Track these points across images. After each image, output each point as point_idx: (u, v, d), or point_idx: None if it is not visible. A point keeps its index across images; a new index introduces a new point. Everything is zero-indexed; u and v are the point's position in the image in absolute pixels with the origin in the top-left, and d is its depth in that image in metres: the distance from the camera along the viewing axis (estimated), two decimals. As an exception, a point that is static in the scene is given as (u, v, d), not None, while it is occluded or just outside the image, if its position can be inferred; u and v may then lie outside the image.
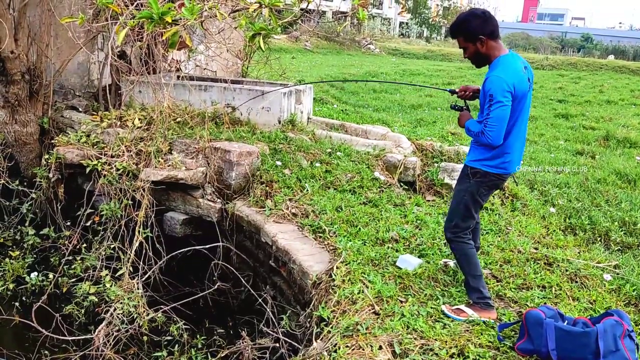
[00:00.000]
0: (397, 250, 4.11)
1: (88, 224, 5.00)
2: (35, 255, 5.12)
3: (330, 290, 3.45)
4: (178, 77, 7.22)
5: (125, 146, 5.11)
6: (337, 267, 3.64)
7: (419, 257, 4.04)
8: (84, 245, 4.96)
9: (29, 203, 5.34)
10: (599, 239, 5.06)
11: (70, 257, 4.85)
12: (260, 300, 3.97)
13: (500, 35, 3.27)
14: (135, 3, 3.98)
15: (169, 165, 4.89)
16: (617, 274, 4.05)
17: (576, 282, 3.87)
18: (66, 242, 5.11)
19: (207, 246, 4.55)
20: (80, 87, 6.36)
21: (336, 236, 4.22)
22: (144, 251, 4.77)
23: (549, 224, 5.22)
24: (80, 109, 6.10)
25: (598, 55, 39.49)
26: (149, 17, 3.40)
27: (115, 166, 5.01)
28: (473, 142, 3.33)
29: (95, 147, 5.27)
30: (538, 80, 20.00)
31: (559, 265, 4.06)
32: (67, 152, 5.20)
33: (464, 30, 3.17)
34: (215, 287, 4.29)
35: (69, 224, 5.28)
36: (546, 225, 5.19)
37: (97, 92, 6.29)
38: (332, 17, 42.82)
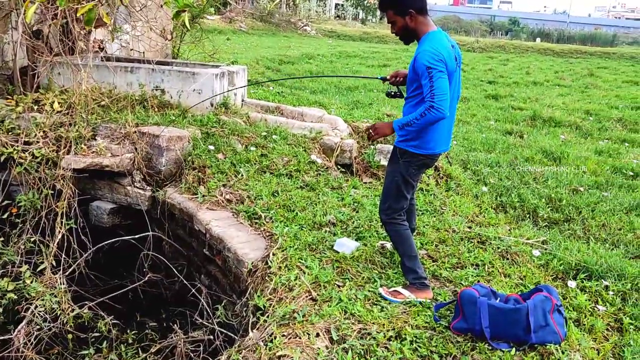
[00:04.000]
0: (334, 234, 4.06)
1: (4, 216, 4.65)
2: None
3: (266, 278, 3.35)
4: (101, 58, 6.84)
5: (44, 132, 4.78)
6: (273, 254, 3.55)
7: (356, 240, 4.01)
8: (1, 239, 4.61)
9: None
10: (527, 216, 5.22)
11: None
12: (193, 290, 3.82)
13: (431, 17, 3.24)
14: (49, -23, 3.68)
15: (92, 152, 4.61)
16: (545, 249, 4.18)
17: (507, 259, 3.96)
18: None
19: (136, 236, 4.34)
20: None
21: (273, 222, 4.11)
22: (67, 244, 4.51)
23: (482, 202, 5.33)
24: (-6, 93, 5.65)
25: (524, 38, 40.99)
26: (62, -8, 3.15)
27: (33, 153, 4.67)
28: None
29: (10, 133, 4.89)
30: (469, 62, 20.52)
31: (491, 243, 4.14)
32: (-22, 140, 4.80)
33: (394, 2, 3.12)
34: (145, 278, 4.10)
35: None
36: (479, 204, 5.30)
37: (11, 75, 5.84)
38: (267, -2, 42.27)
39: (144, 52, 8.14)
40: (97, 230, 4.83)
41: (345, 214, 4.41)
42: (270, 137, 5.56)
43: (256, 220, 4.13)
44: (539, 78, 16.43)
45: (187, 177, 4.70)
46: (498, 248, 4.07)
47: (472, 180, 5.95)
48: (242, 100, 6.60)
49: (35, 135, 4.83)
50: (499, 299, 2.98)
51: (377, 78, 3.86)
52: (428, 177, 5.65)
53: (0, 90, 5.80)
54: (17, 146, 4.73)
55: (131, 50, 7.94)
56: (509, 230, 4.61)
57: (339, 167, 5.60)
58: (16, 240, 4.55)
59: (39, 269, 4.27)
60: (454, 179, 5.76)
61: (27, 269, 4.24)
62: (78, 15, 3.30)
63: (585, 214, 5.14)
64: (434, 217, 4.64)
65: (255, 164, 5.02)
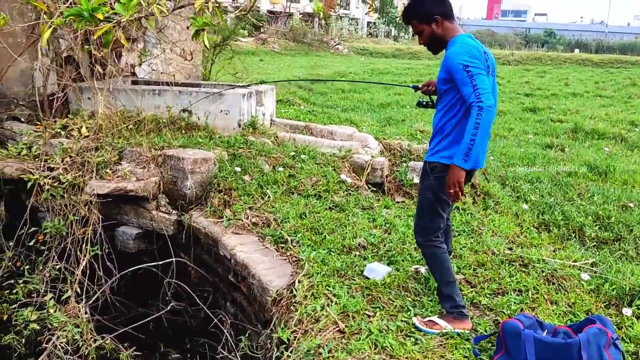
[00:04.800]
0: (365, 258, 3.84)
1: (31, 243, 4.60)
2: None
3: (291, 308, 3.15)
4: (133, 82, 6.85)
5: (70, 157, 4.73)
6: (298, 281, 3.35)
7: (388, 264, 3.78)
8: (27, 267, 4.56)
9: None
10: (573, 235, 4.87)
11: (12, 281, 4.45)
12: (215, 320, 3.65)
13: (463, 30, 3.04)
14: (69, 1, 3.64)
15: (118, 177, 4.53)
16: (595, 272, 3.85)
17: (553, 283, 3.65)
18: (9, 263, 4.71)
19: (160, 262, 4.22)
20: (24, 95, 5.94)
21: (299, 246, 3.92)
22: (92, 271, 4.43)
23: (523, 221, 5.02)
24: (22, 119, 5.68)
25: (562, 50, 40.11)
26: (79, 14, 3.07)
27: (58, 179, 4.62)
28: (433, 137, 3.08)
29: (37, 159, 4.87)
30: (505, 75, 20.07)
31: (534, 266, 3.84)
32: (5, 167, 4.79)
33: (418, 11, 2.95)
34: (168, 308, 3.95)
35: (11, 244, 4.86)
36: (520, 223, 4.99)
37: (42, 101, 5.87)
38: (300, 19, 42.67)
39: (174, 75, 8.16)
40: (124, 255, 4.73)
41: (376, 236, 4.19)
42: (299, 157, 5.39)
43: (282, 245, 3.94)
44: (578, 89, 15.89)
45: (212, 200, 4.56)
46: (542, 271, 3.77)
47: (511, 198, 5.64)
48: (271, 120, 6.48)
49: (63, 160, 4.80)
50: (546, 331, 2.70)
51: (408, 87, 3.66)
52: (465, 195, 5.37)
53: (29, 117, 5.83)
54: (44, 172, 4.70)
55: (161, 73, 7.95)
56: (554, 251, 4.30)
57: (370, 186, 5.38)
58: (42, 268, 4.50)
59: (63, 297, 4.19)
60: (492, 197, 5.46)
61: (52, 297, 4.17)
62: (95, 37, 3.23)
63: (637, 232, 4.76)
64: (472, 238, 4.36)
65: (282, 185, 4.86)
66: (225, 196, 4.59)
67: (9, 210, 5.05)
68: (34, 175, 4.68)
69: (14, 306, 4.28)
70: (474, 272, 3.74)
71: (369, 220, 4.58)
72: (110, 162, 4.72)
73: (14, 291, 4.36)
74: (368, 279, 3.52)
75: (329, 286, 3.36)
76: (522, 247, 4.25)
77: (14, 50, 5.42)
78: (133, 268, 4.25)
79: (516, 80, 18.74)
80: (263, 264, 3.67)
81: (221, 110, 5.72)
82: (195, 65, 8.53)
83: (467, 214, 4.91)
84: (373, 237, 4.16)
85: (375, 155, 5.57)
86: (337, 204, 4.77)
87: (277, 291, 3.35)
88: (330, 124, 7.10)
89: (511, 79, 19.09)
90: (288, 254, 3.84)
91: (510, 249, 4.20)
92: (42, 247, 4.49)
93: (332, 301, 3.17)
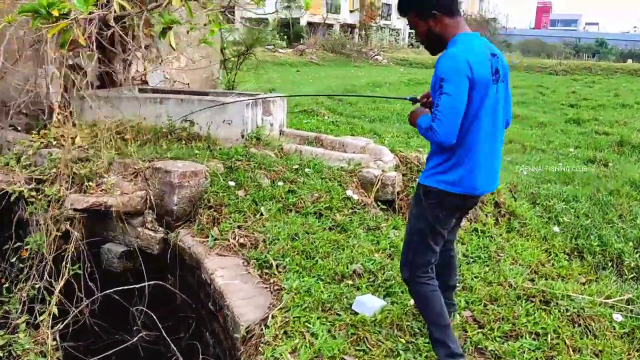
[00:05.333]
0: (358, 289, 3.37)
1: (13, 259, 4.34)
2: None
3: (259, 348, 2.72)
4: (140, 90, 6.61)
5: (57, 168, 4.46)
6: (272, 316, 2.91)
7: (384, 296, 3.30)
8: (10, 283, 4.30)
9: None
10: (610, 263, 4.28)
11: (-7, 300, 4.20)
12: (178, 355, 3.24)
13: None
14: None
15: (101, 190, 4.22)
16: (631, 311, 3.26)
17: (578, 325, 3.09)
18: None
19: (136, 286, 3.86)
20: (27, 103, 5.75)
21: (285, 272, 3.49)
22: (74, 291, 4.12)
23: (551, 246, 4.45)
24: (19, 128, 5.48)
25: (613, 60, 38.35)
26: (35, 10, 2.76)
27: (44, 192, 4.35)
28: (430, 155, 2.60)
29: (25, 170, 4.63)
30: (551, 85, 19.15)
31: (557, 303, 3.28)
32: (-11, 178, 4.57)
33: (413, 3, 2.49)
34: (134, 340, 3.58)
35: (-4, 259, 4.62)
36: (548, 248, 4.42)
37: (43, 109, 5.67)
38: (340, 30, 42.45)
39: (188, 84, 7.90)
40: (109, 275, 4.41)
41: (376, 262, 3.71)
42: (302, 171, 4.97)
43: (267, 270, 3.51)
44: (628, 100, 14.89)
45: (201, 217, 4.18)
46: (566, 310, 3.20)
47: (541, 219, 5.05)
48: (280, 131, 6.09)
49: (50, 172, 4.54)
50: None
51: (405, 99, 3.16)
52: (486, 215, 4.82)
53: (27, 126, 5.63)
54: (29, 184, 4.44)
55: (174, 81, 7.70)
56: (584, 283, 3.71)
57: (379, 203, 4.90)
58: (22, 286, 4.22)
59: (38, 320, 3.89)
60: (518, 217, 4.90)
61: (25, 320, 3.87)
62: (49, 36, 2.93)
63: (686, 262, 4.12)
64: (487, 266, 3.82)
65: (280, 201, 4.44)
66: (215, 213, 4.21)
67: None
68: (19, 187, 4.42)
69: (-15, 328, 4.00)
70: (484, 309, 3.21)
71: (371, 243, 4.10)
72: (97, 174, 4.41)
73: (-11, 311, 4.10)
74: (357, 314, 3.05)
75: (308, 322, 2.90)
76: (546, 279, 3.68)
77: (14, 57, 5.23)
78: (108, 291, 3.91)
79: (562, 90, 17.82)
80: (241, 293, 3.25)
81: (224, 120, 5.37)
82: (211, 74, 8.26)
83: (486, 237, 4.37)
84: (372, 263, 3.68)
85: (387, 170, 5.08)
86: (338, 223, 4.31)
87: (247, 327, 2.91)
88: (346, 135, 6.65)
89: (557, 89, 18.17)
90: (271, 281, 3.41)
91: (532, 280, 3.65)
92: (22, 265, 4.21)
93: (307, 342, 2.72)
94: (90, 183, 4.27)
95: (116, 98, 5.66)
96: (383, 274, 3.55)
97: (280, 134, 6.09)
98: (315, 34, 38.83)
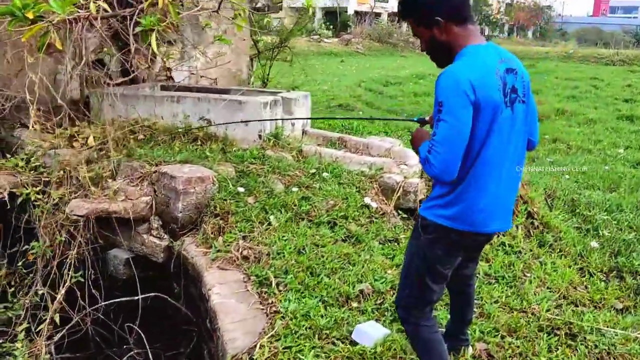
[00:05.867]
0: (362, 312, 3.09)
1: (19, 264, 4.26)
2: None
3: (238, 384, 2.48)
4: (162, 87, 6.48)
5: (64, 171, 4.35)
6: (260, 346, 2.67)
7: (390, 321, 3.02)
8: (16, 289, 4.23)
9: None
10: (654, 287, 3.82)
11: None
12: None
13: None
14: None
15: (105, 195, 4.08)
16: (674, 350, 2.85)
17: (608, 365, 2.72)
18: (3, 282, 4.41)
19: (136, 297, 3.70)
20: (45, 101, 5.69)
21: (286, 291, 3.24)
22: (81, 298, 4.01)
23: (587, 265, 4.02)
24: (35, 127, 5.41)
25: (678, 49, 36.09)
26: (10, 12, 2.59)
27: (50, 195, 4.25)
28: (434, 184, 2.27)
29: (34, 172, 4.54)
30: (606, 77, 18.06)
31: (585, 338, 2.91)
32: (-3, 180, 4.50)
33: (412, 8, 2.16)
34: (127, 356, 3.41)
35: (5, 262, 4.57)
36: (583, 266, 4.00)
37: (60, 107, 5.59)
38: (388, 19, 41.69)
39: (216, 79, 7.73)
40: (117, 281, 4.29)
41: (387, 280, 3.41)
42: (320, 176, 4.70)
43: (265, 289, 3.27)
44: (693, 94, 13.86)
45: (206, 225, 3.98)
46: (595, 347, 2.84)
47: (579, 232, 4.61)
48: (303, 131, 5.83)
49: (59, 174, 4.43)
50: None
51: (412, 120, 2.78)
52: (517, 227, 4.43)
53: (44, 125, 5.56)
54: (36, 186, 4.35)
55: (201, 77, 7.55)
56: (620, 310, 3.32)
57: (400, 212, 4.58)
58: (25, 291, 4.14)
59: (38, 328, 3.79)
60: (552, 230, 4.48)
61: (25, 328, 3.78)
62: (23, 39, 2.77)
63: None
64: (510, 288, 3.47)
65: (292, 209, 4.18)
66: (221, 221, 3.99)
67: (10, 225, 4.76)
68: (26, 189, 4.33)
69: (-12, 335, 3.94)
70: (501, 341, 2.88)
71: (387, 257, 3.81)
72: (103, 177, 4.28)
73: (-8, 318, 4.04)
74: (356, 344, 2.77)
75: (300, 353, 2.65)
76: (576, 305, 3.31)
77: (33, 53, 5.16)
78: (109, 301, 3.77)
79: (618, 82, 16.76)
80: (234, 315, 3.02)
81: (240, 120, 5.14)
82: (240, 69, 8.07)
83: (513, 254, 3.99)
84: (382, 282, 3.39)
85: (411, 175, 4.75)
86: (353, 234, 4.03)
87: (235, 355, 2.68)
88: (369, 136, 6.31)
89: (612, 81, 17.12)
90: (269, 301, 3.17)
91: (560, 306, 3.27)
92: (24, 271, 4.13)
93: (293, 378, 2.46)
94: (95, 188, 4.13)
95: (133, 96, 5.53)
96: (392, 295, 3.26)
97: (303, 134, 5.83)
98: (362, 23, 38.27)
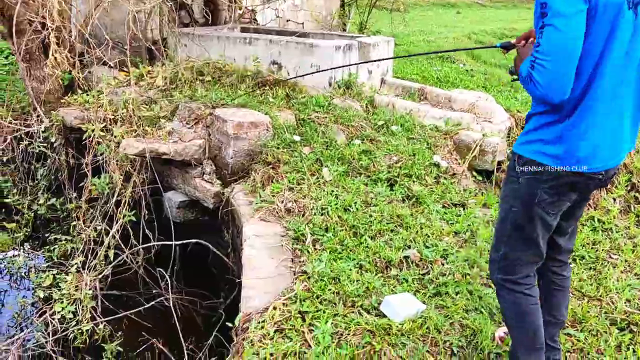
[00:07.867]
0: (400, 282, 2.74)
1: (83, 199, 4.34)
2: (28, 231, 4.64)
3: (241, 347, 2.26)
4: (242, 29, 6.29)
5: (127, 110, 4.31)
6: (273, 308, 2.42)
7: (431, 296, 2.64)
8: (79, 222, 4.34)
9: (42, 169, 4.87)
10: None
11: (59, 236, 4.28)
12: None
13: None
14: None
15: (158, 136, 3.99)
16: None
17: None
18: (74, 214, 4.55)
19: (177, 242, 3.61)
20: (127, 40, 5.71)
21: (322, 250, 2.95)
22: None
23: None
24: (111, 65, 5.45)
25: None
26: None
27: (112, 132, 4.25)
28: (528, 116, 1.85)
29: (101, 109, 4.56)
30: None
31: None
32: (67, 114, 4.57)
33: None
34: (152, 302, 3.33)
35: (75, 195, 4.70)
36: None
37: (140, 47, 5.59)
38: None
39: (302, 23, 7.42)
40: (172, 224, 4.25)
41: (439, 248, 3.01)
42: (388, 129, 4.29)
43: (299, 246, 3.00)
44: None
45: (256, 173, 3.77)
46: (678, 353, 2.28)
47: (693, 211, 3.84)
48: (382, 80, 5.38)
49: (122, 112, 4.42)
50: None
51: (495, 47, 2.30)
52: (614, 199, 3.78)
53: (120, 62, 5.60)
54: (101, 123, 4.36)
55: (287, 21, 7.26)
56: None
57: (475, 174, 4.08)
58: (88, 225, 4.22)
59: (90, 264, 3.85)
60: (658, 206, 3.77)
61: (77, 262, 3.85)
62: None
63: None
64: (588, 271, 2.93)
65: (350, 162, 3.85)
66: (272, 170, 3.76)
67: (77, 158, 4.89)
68: (92, 125, 4.37)
69: (48, 264, 4.08)
70: (562, 333, 2.40)
71: (447, 222, 3.39)
72: (161, 117, 4.19)
73: (53, 249, 4.17)
74: (384, 316, 2.44)
75: (316, 320, 2.37)
76: (669, 300, 2.71)
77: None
78: (160, 242, 3.73)
79: None
80: (260, 270, 2.80)
81: (311, 65, 4.82)
82: (330, 14, 7.67)
83: (602, 231, 3.38)
84: (433, 250, 2.99)
85: (491, 134, 4.20)
86: (414, 194, 3.63)
87: (248, 314, 2.46)
88: (453, 89, 5.70)
89: None
90: (302, 259, 2.90)
91: (645, 300, 2.70)
92: (84, 206, 4.19)
93: (302, 351, 2.19)
94: (150, 128, 4.05)
95: (207, 37, 5.38)
96: (441, 266, 2.86)
97: (381, 83, 5.39)
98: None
